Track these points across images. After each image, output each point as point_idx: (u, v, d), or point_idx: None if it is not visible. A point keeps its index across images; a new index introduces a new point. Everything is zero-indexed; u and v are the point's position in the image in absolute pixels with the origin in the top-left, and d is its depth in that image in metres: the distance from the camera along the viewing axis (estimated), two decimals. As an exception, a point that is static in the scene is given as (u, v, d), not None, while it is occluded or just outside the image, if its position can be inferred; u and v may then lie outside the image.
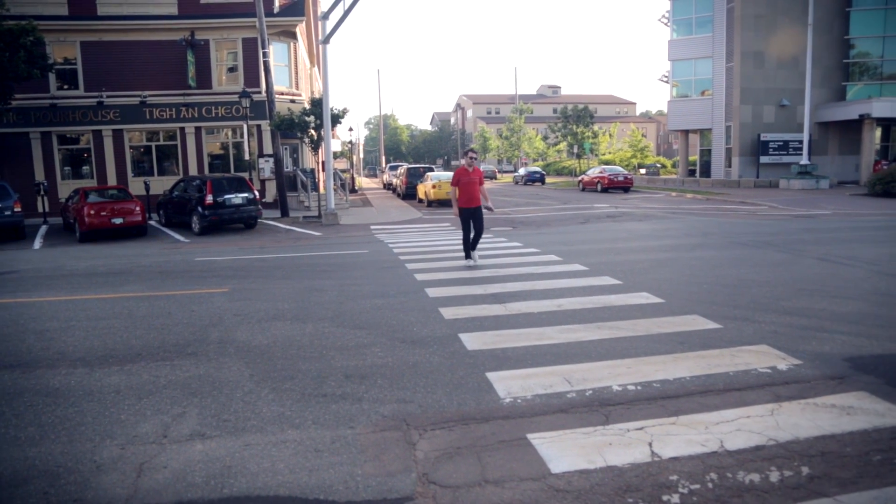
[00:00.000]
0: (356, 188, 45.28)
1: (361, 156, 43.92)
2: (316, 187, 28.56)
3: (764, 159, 40.18)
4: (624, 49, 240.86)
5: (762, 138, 40.06)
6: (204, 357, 6.11)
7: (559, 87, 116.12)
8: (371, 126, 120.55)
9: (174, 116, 26.79)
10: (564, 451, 3.92)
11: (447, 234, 16.82)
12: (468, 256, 10.98)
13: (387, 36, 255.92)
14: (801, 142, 37.75)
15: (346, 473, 3.74)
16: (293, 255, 13.49)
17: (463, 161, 11.11)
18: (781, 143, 39.99)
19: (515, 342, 6.23)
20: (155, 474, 3.82)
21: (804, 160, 36.95)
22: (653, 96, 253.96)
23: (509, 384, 5.10)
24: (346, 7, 19.73)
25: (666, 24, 45.05)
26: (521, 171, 55.49)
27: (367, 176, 77.43)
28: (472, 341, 6.31)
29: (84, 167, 27.31)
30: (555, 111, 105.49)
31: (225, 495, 3.54)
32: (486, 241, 14.93)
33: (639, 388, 4.97)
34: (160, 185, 25.57)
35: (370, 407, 4.74)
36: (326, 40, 21.16)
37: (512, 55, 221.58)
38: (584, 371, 5.36)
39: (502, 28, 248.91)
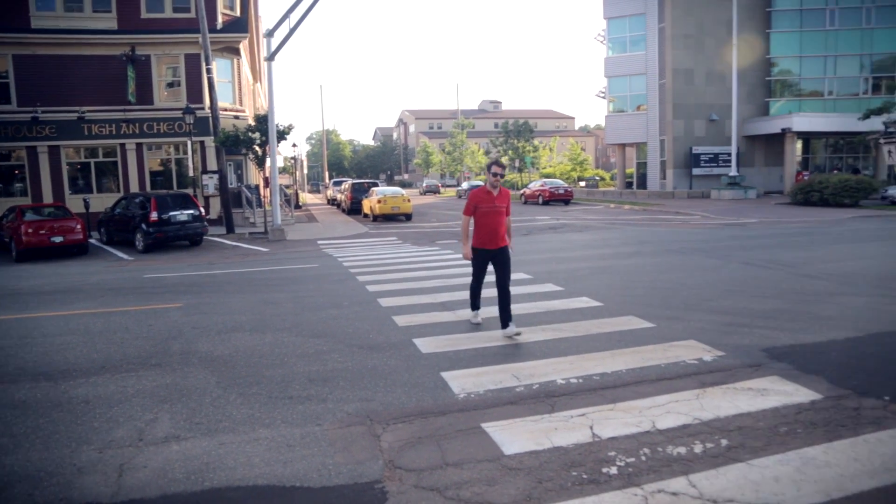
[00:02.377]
0: (300, 204, 45.16)
1: (305, 171, 43.82)
2: (261, 203, 28.53)
3: (696, 171, 42.03)
4: (563, 65, 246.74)
5: (694, 151, 41.93)
6: (168, 367, 6.33)
7: (500, 102, 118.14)
8: (313, 141, 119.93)
9: (114, 132, 26.37)
10: (515, 437, 4.37)
11: (395, 248, 17.19)
12: (476, 307, 7.60)
13: (329, 51, 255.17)
14: (729, 154, 39.70)
15: (319, 464, 4.09)
16: (243, 271, 13.63)
17: (485, 181, 7.38)
18: (712, 156, 41.91)
19: (466, 345, 6.68)
20: (136, 473, 4.08)
21: (733, 172, 38.86)
22: (591, 111, 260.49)
23: (463, 381, 5.53)
24: (292, 25, 20.01)
25: (602, 43, 46.72)
26: (465, 185, 56.33)
27: (310, 192, 77.14)
28: (425, 345, 6.72)
29: (17, 184, 26.55)
30: (496, 126, 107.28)
31: (206, 487, 3.84)
32: (432, 253, 15.38)
33: (580, 380, 5.47)
34: (100, 202, 25.11)
35: (335, 406, 5.09)
36: (271, 57, 21.35)
37: (454, 71, 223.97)
38: (531, 368, 5.84)
39: (444, 44, 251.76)
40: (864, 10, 43.98)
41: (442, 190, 67.28)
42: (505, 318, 6.96)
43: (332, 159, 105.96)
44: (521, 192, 43.92)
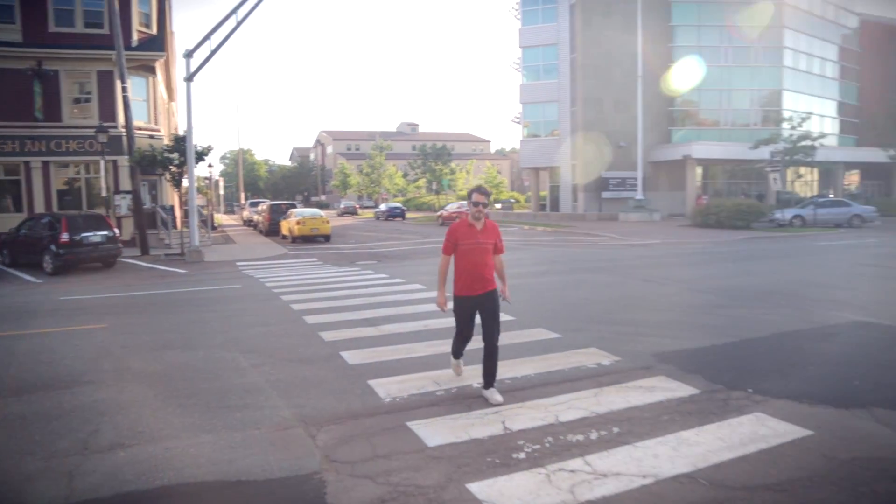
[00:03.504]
0: (216, 225, 44.42)
1: (222, 192, 43.29)
2: (176, 224, 28.09)
3: (605, 195, 44.21)
4: (479, 90, 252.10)
5: (603, 176, 44.12)
6: (102, 384, 6.54)
7: (417, 125, 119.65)
8: (227, 161, 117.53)
9: (18, 150, 25.39)
10: (437, 432, 4.95)
11: (315, 269, 17.50)
12: (458, 353, 6.21)
13: (245, 70, 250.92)
14: (636, 179, 42.04)
15: (261, 461, 4.52)
16: (164, 292, 13.64)
17: (465, 208, 6.27)
18: (620, 180, 44.22)
19: (390, 356, 7.23)
20: (86, 478, 4.38)
21: (639, 196, 41.17)
22: (506, 135, 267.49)
23: (388, 388, 6.07)
24: (213, 47, 20.12)
25: (518, 70, 48.59)
26: (383, 206, 56.86)
27: (225, 213, 75.54)
28: (352, 357, 7.22)
29: None
30: (413, 148, 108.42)
31: (157, 485, 4.21)
32: (353, 274, 15.81)
33: (495, 383, 6.11)
34: (3, 223, 24.10)
35: (271, 412, 5.52)
36: (191, 78, 21.33)
37: (372, 93, 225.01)
38: (449, 375, 6.44)
39: (363, 66, 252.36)
40: (753, 50, 47.82)
41: (360, 211, 67.53)
42: (488, 377, 5.76)
43: (247, 180, 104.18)
44: (439, 213, 44.94)
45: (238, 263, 20.21)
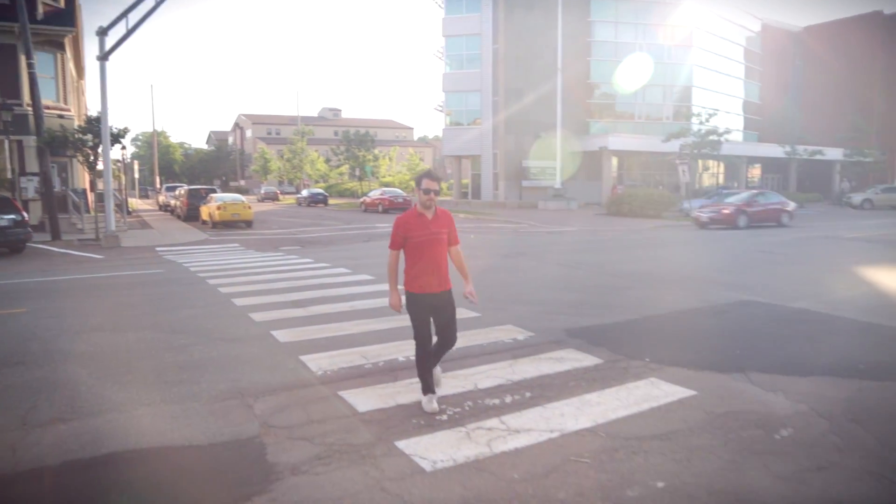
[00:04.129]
0: (130, 210, 42.94)
1: (137, 175, 41.78)
2: (88, 208, 27.14)
3: (525, 183, 45.39)
4: (402, 77, 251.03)
5: (523, 164, 45.28)
6: (34, 364, 6.62)
7: (340, 110, 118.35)
8: (139, 143, 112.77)
9: (-90, 129, 23.89)
10: (367, 399, 5.38)
11: (239, 254, 17.49)
12: (429, 388, 5.21)
13: (160, 49, 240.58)
14: (555, 168, 43.37)
15: (203, 428, 4.84)
16: (84, 277, 13.42)
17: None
18: (539, 169, 45.49)
19: (320, 335, 7.59)
20: (30, 449, 4.57)
21: (558, 185, 42.50)
22: (429, 122, 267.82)
23: (319, 362, 6.45)
24: (130, 26, 19.59)
25: (441, 59, 49.00)
26: (305, 192, 56.28)
27: (139, 197, 72.65)
28: (282, 336, 7.54)
29: None
30: (336, 133, 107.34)
31: (104, 453, 4.47)
32: (277, 259, 15.94)
33: (419, 358, 6.59)
34: None
35: (208, 387, 5.80)
36: (105, 57, 20.68)
37: (293, 77, 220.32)
38: (377, 350, 6.88)
39: (284, 50, 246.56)
40: (666, 48, 50.06)
41: (281, 197, 66.53)
42: (430, 384, 5.21)
43: (162, 163, 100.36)
44: (362, 200, 44.97)
45: (158, 249, 19.87)
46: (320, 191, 56.40)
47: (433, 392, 5.22)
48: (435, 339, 5.34)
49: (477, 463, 4.20)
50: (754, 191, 32.56)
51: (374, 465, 4.20)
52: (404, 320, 8.19)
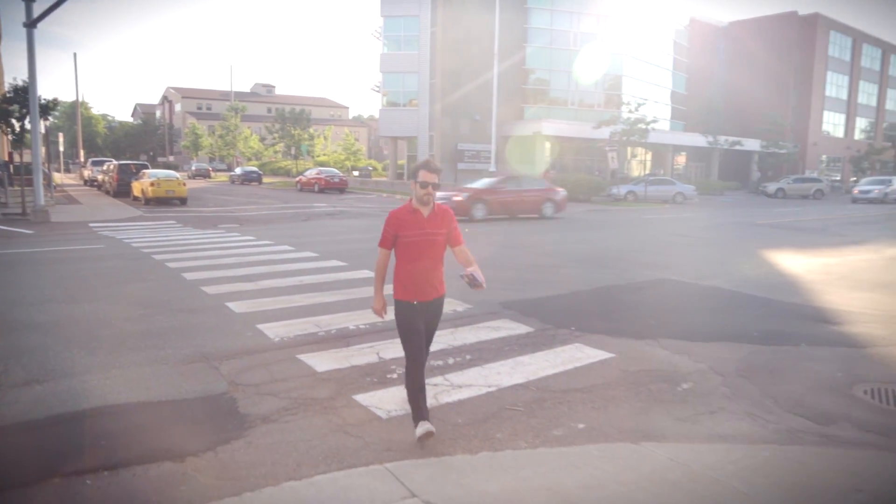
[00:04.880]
0: (54, 184, 41.45)
1: (62, 149, 40.14)
2: (12, 182, 26.28)
3: (461, 166, 46.09)
4: (337, 55, 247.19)
5: (459, 147, 45.98)
6: (-6, 332, 6.86)
7: (274, 87, 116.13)
8: (56, 114, 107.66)
9: None
10: (324, 361, 5.95)
11: (178, 231, 17.52)
12: (422, 415, 4.39)
13: (80, 14, 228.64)
14: (490, 152, 44.23)
15: (175, 386, 5.31)
16: (19, 251, 13.32)
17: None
18: (475, 153, 46.30)
19: (273, 306, 8.07)
20: (12, 406, 4.94)
21: (492, 167, 43.39)
22: (364, 102, 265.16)
23: (276, 330, 6.96)
24: (62, -4, 19.11)
25: (378, 39, 48.97)
26: (238, 170, 55.49)
27: (60, 171, 69.57)
28: (238, 307, 7.99)
29: None
30: (269, 110, 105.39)
31: (86, 408, 4.89)
32: (218, 236, 16.12)
33: (368, 326, 7.19)
34: None
35: (174, 352, 6.23)
36: (33, 24, 20.08)
37: (224, 50, 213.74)
38: (329, 319, 7.43)
39: (214, 22, 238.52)
40: (598, 36, 51.50)
41: (213, 174, 65.21)
42: (422, 407, 4.43)
43: (84, 136, 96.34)
44: (297, 179, 44.81)
45: (91, 224, 19.60)
46: (254, 169, 55.68)
47: (427, 418, 4.36)
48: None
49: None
50: (507, 175, 25.23)
51: (335, 414, 4.80)
52: (352, 293, 8.81)
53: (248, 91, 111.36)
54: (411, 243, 4.44)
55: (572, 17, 50.39)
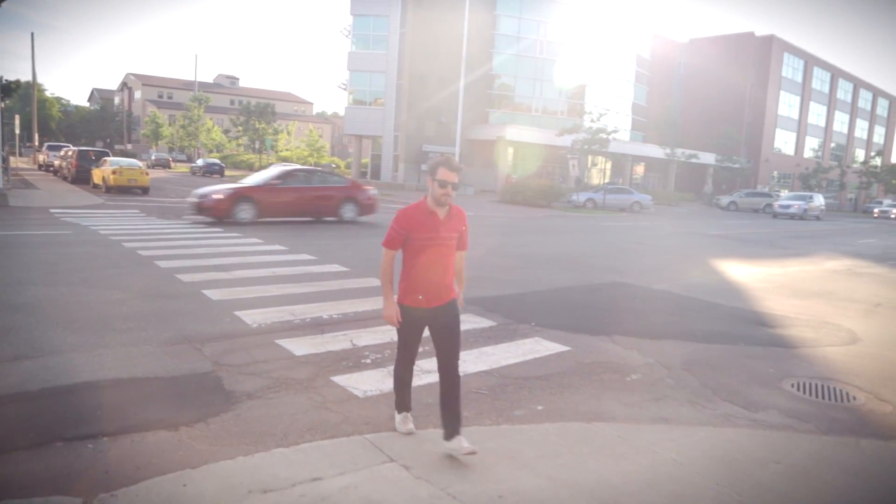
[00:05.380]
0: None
1: (17, 132, 39.06)
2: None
3: (424, 167, 46.39)
4: (303, 50, 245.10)
5: (424, 149, 46.43)
6: (-25, 311, 7.05)
7: (238, 79, 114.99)
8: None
9: None
10: (301, 346, 6.33)
11: (143, 221, 17.55)
12: (405, 406, 4.50)
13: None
14: (454, 154, 44.78)
15: (161, 365, 5.64)
16: (-16, 234, 13.28)
17: (429, 190, 4.20)
18: (438, 154, 46.82)
19: (248, 295, 8.39)
20: (4, 379, 5.20)
21: (455, 170, 43.98)
22: (329, 98, 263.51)
23: (254, 317, 7.30)
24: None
25: (347, 37, 49.12)
26: (200, 161, 55.03)
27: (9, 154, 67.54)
28: (214, 294, 8.29)
29: None
30: (232, 102, 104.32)
31: (78, 381, 5.18)
32: (184, 227, 16.24)
33: (340, 315, 7.59)
34: None
35: (156, 334, 6.53)
36: (-1, 9, 19.85)
37: (187, 38, 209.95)
38: (303, 308, 7.80)
39: (178, 9, 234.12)
40: (564, 46, 52.58)
41: (173, 165, 64.30)
42: (452, 422, 4.09)
43: (37, 119, 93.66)
44: (261, 173, 44.68)
45: (52, 210, 19.43)
46: (217, 161, 55.21)
47: (408, 409, 4.48)
48: (438, 375, 4.25)
49: (399, 392, 5.29)
50: (293, 168, 21.71)
51: (316, 393, 5.20)
52: (323, 286, 9.18)
53: (212, 82, 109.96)
54: (425, 247, 4.14)
55: (540, 26, 51.38)
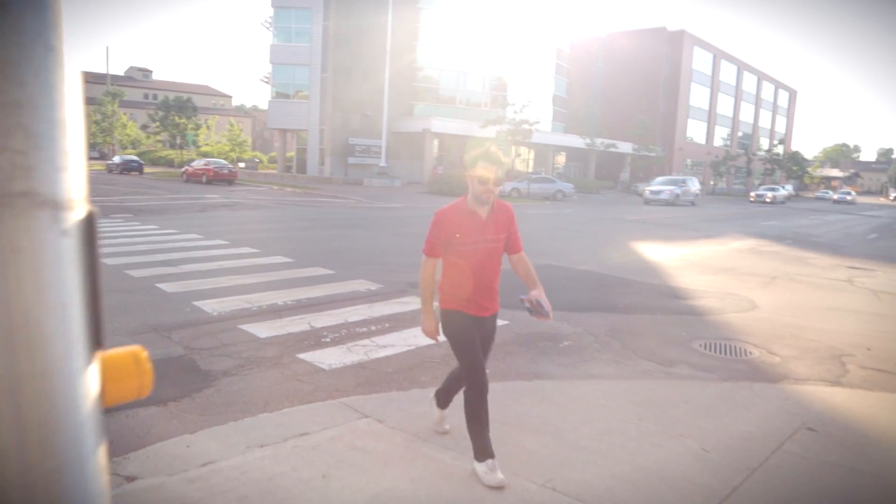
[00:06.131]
0: None
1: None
2: None
3: (351, 160, 46.76)
4: (220, 42, 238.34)
5: (350, 142, 46.59)
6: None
7: (151, 72, 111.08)
8: None
9: None
10: (263, 330, 6.83)
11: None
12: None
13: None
14: (380, 147, 45.19)
15: (135, 350, 6.02)
16: None
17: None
18: (365, 147, 47.09)
19: (203, 286, 8.76)
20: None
21: (382, 163, 44.41)
22: (249, 91, 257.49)
23: (213, 306, 7.72)
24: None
25: (268, 29, 48.57)
26: (117, 158, 53.24)
27: None
28: (169, 288, 8.62)
29: None
30: (146, 96, 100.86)
31: (57, 367, 5.53)
32: (117, 224, 16.19)
33: (294, 302, 8.09)
34: None
35: (121, 325, 6.88)
36: None
37: (96, 29, 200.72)
38: (258, 297, 8.26)
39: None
40: (487, 38, 53.66)
41: (87, 163, 61.72)
42: (488, 447, 3.75)
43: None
44: (184, 169, 43.76)
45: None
46: (134, 157, 53.51)
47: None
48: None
49: (360, 364, 5.90)
50: None
51: (286, 368, 5.74)
52: (272, 276, 9.63)
53: (123, 74, 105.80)
54: (468, 252, 3.71)
55: (462, 19, 52.22)
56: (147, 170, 53.31)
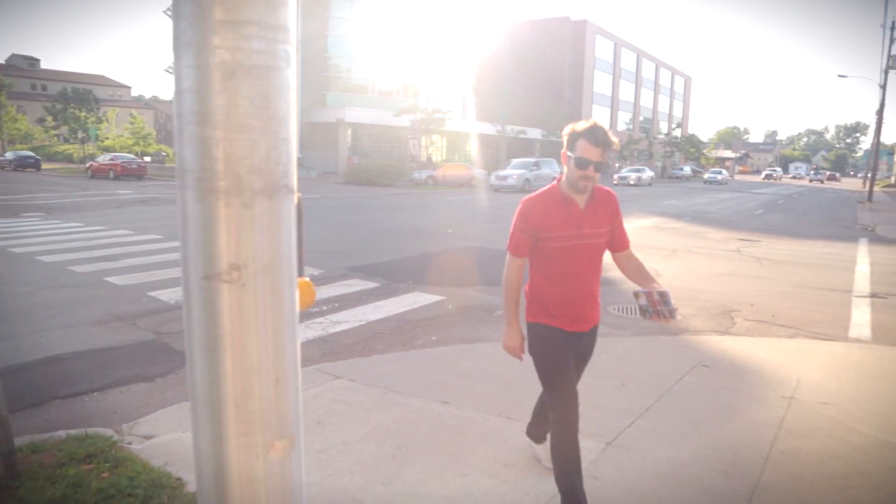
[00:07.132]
0: None
1: None
2: None
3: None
4: (114, 29, 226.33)
5: (263, 133, 46.08)
6: None
7: (38, 60, 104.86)
8: None
9: None
10: (225, 314, 7.37)
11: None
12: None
13: None
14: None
15: (109, 338, 6.49)
16: None
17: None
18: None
19: (152, 278, 9.15)
20: (-37, 359, 5.84)
21: (298, 154, 44.22)
22: (147, 82, 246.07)
23: (168, 295, 8.17)
24: None
25: (170, 17, 47.11)
26: (9, 154, 50.52)
27: None
28: (119, 281, 8.96)
29: None
30: (34, 87, 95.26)
31: (41, 357, 5.93)
32: (36, 223, 15.94)
33: (247, 289, 8.63)
34: None
35: (85, 317, 7.26)
36: None
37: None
38: (210, 286, 8.73)
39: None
40: (397, 27, 54.10)
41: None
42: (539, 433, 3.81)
43: None
44: (88, 165, 42.18)
45: None
46: (30, 153, 50.95)
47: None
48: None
49: (321, 339, 6.61)
50: None
51: (254, 345, 6.35)
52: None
53: (4, 63, 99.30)
54: (561, 249, 3.09)
55: (372, 8, 52.43)
56: (46, 165, 50.85)
